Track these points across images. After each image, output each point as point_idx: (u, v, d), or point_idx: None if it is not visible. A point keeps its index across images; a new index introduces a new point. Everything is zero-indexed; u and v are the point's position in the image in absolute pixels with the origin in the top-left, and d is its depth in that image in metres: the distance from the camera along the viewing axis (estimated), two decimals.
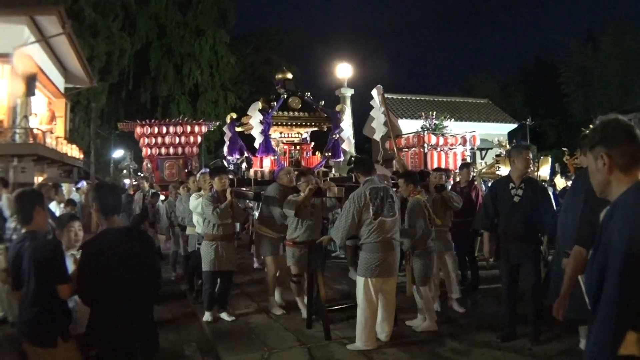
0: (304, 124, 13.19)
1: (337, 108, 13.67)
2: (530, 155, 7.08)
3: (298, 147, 13.30)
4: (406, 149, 16.40)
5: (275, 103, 12.56)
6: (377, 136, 12.96)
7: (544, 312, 6.52)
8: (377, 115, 12.47)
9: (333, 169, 13.46)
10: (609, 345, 2.21)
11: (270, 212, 8.55)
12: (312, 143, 14.03)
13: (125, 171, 30.76)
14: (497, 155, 17.40)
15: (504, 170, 16.28)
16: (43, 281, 4.21)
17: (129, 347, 3.99)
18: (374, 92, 12.49)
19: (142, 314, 4.11)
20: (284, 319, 8.06)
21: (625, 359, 2.20)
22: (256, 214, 12.37)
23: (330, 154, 13.15)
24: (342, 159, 13.41)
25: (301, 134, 13.65)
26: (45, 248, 4.27)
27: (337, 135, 13.00)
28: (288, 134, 13.50)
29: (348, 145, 13.31)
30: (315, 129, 13.79)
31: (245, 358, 6.51)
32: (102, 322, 3.98)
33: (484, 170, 17.46)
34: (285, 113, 12.74)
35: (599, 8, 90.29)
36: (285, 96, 12.94)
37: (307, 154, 13.45)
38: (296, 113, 12.91)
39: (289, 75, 13.88)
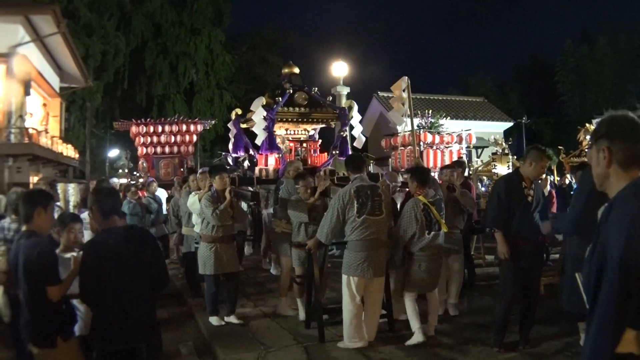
0: (310, 120, 12.82)
1: (346, 104, 13.35)
2: (547, 163, 6.91)
3: (305, 145, 13.02)
4: (402, 147, 16.37)
5: (280, 98, 12.20)
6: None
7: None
8: (398, 108, 12.08)
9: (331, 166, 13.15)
10: (607, 343, 2.19)
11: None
12: (320, 140, 13.81)
13: (120, 170, 30.72)
14: (493, 154, 17.44)
15: (500, 168, 16.33)
16: (34, 281, 4.20)
17: (131, 347, 4.02)
18: (400, 84, 12.11)
19: (144, 313, 4.11)
20: (280, 318, 8.02)
21: (624, 357, 2.19)
22: (265, 212, 12.16)
23: (337, 152, 12.85)
24: None
25: (308, 131, 13.34)
26: (36, 247, 4.24)
27: (345, 133, 12.74)
28: (294, 130, 13.19)
29: (359, 143, 13.07)
30: (323, 125, 13.48)
31: (242, 357, 6.49)
32: (104, 322, 4.01)
33: (480, 169, 17.52)
34: (291, 109, 12.38)
35: (594, 9, 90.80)
36: (291, 91, 12.53)
37: (314, 151, 13.18)
38: (302, 109, 12.55)
39: (296, 70, 13.45)
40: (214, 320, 7.77)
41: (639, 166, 2.42)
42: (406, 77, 11.89)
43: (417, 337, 6.59)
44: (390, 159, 17.26)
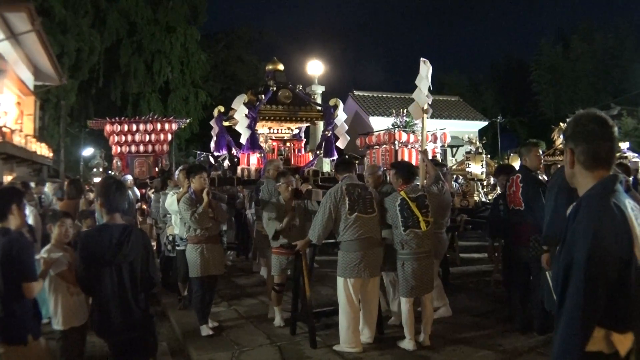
0: (294, 118, 12.54)
1: (332, 102, 13.11)
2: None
3: (288, 144, 12.78)
4: (377, 146, 16.41)
5: (263, 96, 11.92)
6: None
7: None
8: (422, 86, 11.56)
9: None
10: (576, 341, 2.23)
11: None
12: (305, 140, 13.60)
13: (95, 169, 30.45)
14: (467, 153, 17.57)
15: (474, 167, 16.45)
16: (10, 278, 4.22)
17: (122, 339, 4.32)
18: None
19: (133, 309, 4.30)
20: (254, 318, 8.04)
21: (593, 355, 2.24)
22: (248, 213, 11.99)
23: (322, 151, 12.69)
24: (335, 157, 12.62)
25: (292, 130, 13.12)
26: (13, 244, 4.28)
27: (330, 132, 12.55)
28: (277, 129, 12.93)
29: (343, 142, 12.87)
30: (307, 124, 13.31)
31: (216, 357, 6.51)
32: (98, 313, 4.31)
33: (454, 168, 17.63)
34: (274, 107, 12.08)
35: (569, 7, 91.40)
36: (275, 88, 12.28)
37: (298, 151, 12.96)
38: (286, 107, 12.26)
39: (280, 66, 13.11)
40: (203, 329, 7.35)
41: (605, 166, 2.46)
42: (424, 59, 11.33)
43: (405, 345, 6.52)
44: (365, 158, 17.27)
